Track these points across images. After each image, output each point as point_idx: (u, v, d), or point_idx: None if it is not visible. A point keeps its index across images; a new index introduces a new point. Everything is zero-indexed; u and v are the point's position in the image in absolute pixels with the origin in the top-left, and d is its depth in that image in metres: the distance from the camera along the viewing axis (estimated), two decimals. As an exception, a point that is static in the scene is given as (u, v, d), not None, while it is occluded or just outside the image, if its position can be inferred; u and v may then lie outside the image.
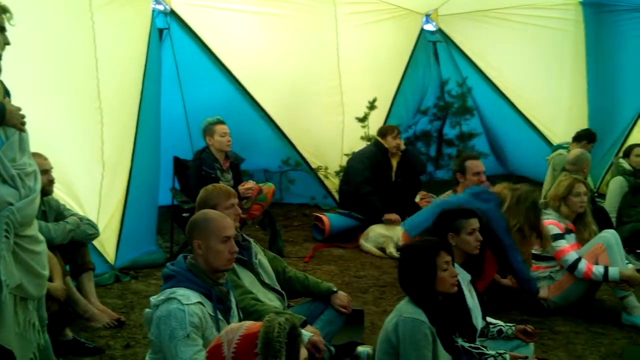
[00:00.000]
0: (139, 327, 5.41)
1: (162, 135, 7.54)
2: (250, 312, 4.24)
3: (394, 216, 7.90)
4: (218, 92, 8.93)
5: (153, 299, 3.59)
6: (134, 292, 6.29)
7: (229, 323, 3.57)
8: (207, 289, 3.60)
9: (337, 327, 4.83)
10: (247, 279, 4.63)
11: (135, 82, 6.96)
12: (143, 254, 7.03)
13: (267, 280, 4.76)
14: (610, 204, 7.78)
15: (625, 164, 7.93)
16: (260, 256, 4.84)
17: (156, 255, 7.14)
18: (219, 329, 3.46)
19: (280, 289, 4.81)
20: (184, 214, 6.87)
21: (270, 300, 4.66)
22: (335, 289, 4.92)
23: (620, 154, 8.62)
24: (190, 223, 3.79)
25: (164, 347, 3.49)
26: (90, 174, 6.48)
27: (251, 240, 4.87)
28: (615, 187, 7.82)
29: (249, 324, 2.34)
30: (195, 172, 7.28)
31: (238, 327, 2.35)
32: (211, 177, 7.23)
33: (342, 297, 4.89)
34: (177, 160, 7.63)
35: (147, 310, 3.67)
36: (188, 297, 3.48)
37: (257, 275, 4.73)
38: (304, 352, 2.32)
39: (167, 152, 7.58)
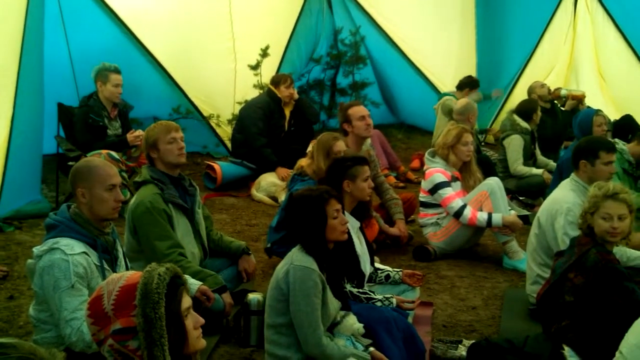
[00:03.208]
0: (23, 278, 5.26)
1: (45, 81, 7.22)
2: None
3: (285, 171, 7.83)
4: (104, 36, 8.61)
5: (36, 250, 3.50)
6: (18, 243, 6.11)
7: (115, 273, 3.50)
8: (92, 239, 3.51)
9: (233, 287, 4.85)
10: (182, 226, 4.59)
11: (16, 24, 6.61)
12: (27, 203, 6.81)
13: (201, 233, 4.74)
14: (515, 159, 7.89)
15: (521, 122, 8.05)
16: (199, 208, 4.79)
17: (41, 204, 6.92)
18: (105, 279, 3.39)
19: (206, 246, 4.82)
20: (70, 163, 6.65)
21: (194, 255, 4.65)
22: (247, 250, 4.98)
23: (512, 108, 8.73)
24: (73, 171, 3.66)
25: (48, 298, 3.41)
26: (-32, 120, 6.20)
27: (197, 187, 4.82)
28: (517, 143, 7.92)
29: (129, 275, 2.30)
30: (82, 120, 7.10)
31: (119, 277, 2.30)
32: (98, 125, 7.07)
33: (250, 262, 4.94)
34: (61, 107, 7.37)
35: (29, 260, 3.58)
36: (72, 247, 3.39)
37: (194, 226, 4.68)
38: (187, 301, 2.29)
39: (51, 98, 7.28)
